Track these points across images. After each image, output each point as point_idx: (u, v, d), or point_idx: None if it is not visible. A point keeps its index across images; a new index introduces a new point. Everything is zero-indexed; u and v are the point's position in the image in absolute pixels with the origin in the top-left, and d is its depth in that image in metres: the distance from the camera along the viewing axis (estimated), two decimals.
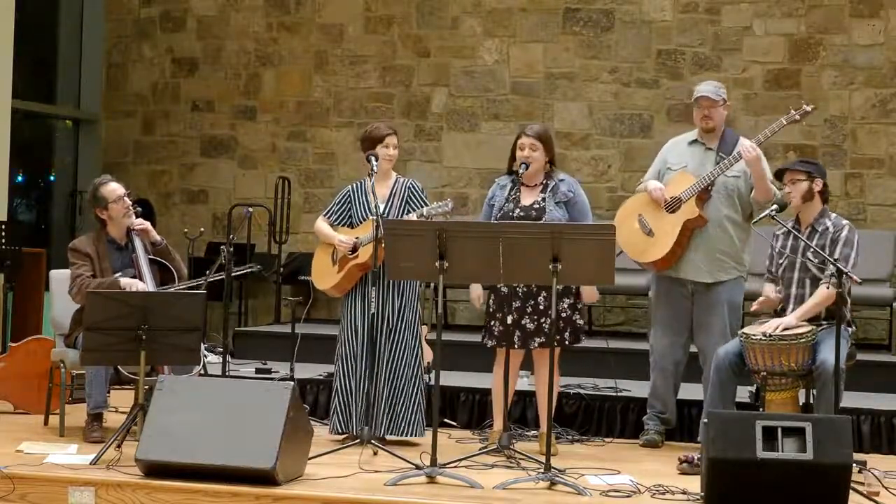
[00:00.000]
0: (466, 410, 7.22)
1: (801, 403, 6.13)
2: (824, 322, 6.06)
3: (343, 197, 6.57)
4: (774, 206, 6.07)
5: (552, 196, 6.30)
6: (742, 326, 6.70)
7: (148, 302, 5.78)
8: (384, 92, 10.63)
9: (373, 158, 6.34)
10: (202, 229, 10.17)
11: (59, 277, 6.75)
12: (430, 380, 6.79)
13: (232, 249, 6.64)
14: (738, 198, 6.51)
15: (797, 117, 6.40)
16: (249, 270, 6.43)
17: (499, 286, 6.24)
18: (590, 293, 6.32)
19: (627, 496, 5.24)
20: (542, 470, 5.44)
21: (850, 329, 6.15)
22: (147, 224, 6.52)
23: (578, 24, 10.22)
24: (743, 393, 6.31)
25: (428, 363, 7.15)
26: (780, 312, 6.23)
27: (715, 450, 4.93)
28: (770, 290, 6.30)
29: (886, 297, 8.73)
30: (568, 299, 6.27)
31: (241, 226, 9.22)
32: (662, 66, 10.04)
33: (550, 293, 6.07)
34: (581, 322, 6.40)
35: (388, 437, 6.29)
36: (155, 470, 5.20)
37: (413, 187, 6.49)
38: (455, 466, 5.59)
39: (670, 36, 10.04)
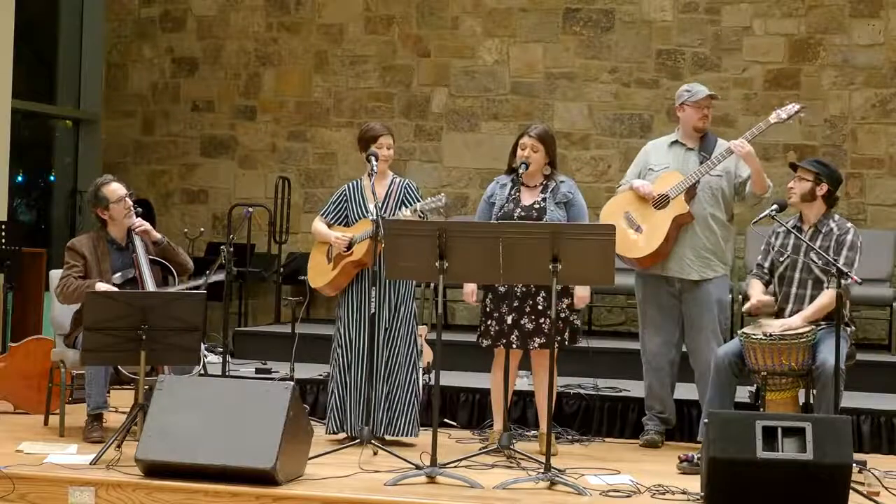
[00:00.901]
0: (466, 410, 7.23)
1: (801, 403, 6.13)
2: (823, 322, 6.05)
3: (339, 196, 6.58)
4: (774, 206, 6.08)
5: (552, 197, 6.31)
6: (731, 324, 6.72)
7: (148, 302, 5.78)
8: (384, 92, 10.63)
9: (373, 158, 6.35)
10: (202, 229, 10.19)
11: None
12: (430, 380, 6.80)
13: (232, 249, 6.63)
14: (722, 197, 6.56)
15: (783, 116, 6.42)
16: (218, 266, 6.43)
17: (496, 285, 6.24)
18: (581, 298, 6.31)
19: (627, 496, 5.24)
20: (542, 470, 5.44)
21: (849, 329, 6.16)
22: (147, 224, 6.52)
23: (578, 24, 10.23)
24: (743, 393, 6.31)
25: (428, 363, 7.16)
26: (778, 313, 6.23)
27: (715, 450, 4.93)
28: (758, 290, 6.26)
29: (886, 297, 8.73)
30: (567, 299, 6.27)
31: (241, 226, 9.21)
32: (662, 66, 10.04)
33: (549, 293, 6.09)
34: (578, 322, 6.40)
35: (387, 438, 6.29)
36: (155, 470, 5.20)
37: (409, 187, 6.50)
38: (455, 466, 5.59)
39: (670, 36, 10.04)
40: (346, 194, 6.55)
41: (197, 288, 6.44)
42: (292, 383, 5.63)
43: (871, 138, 9.68)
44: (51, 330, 7.01)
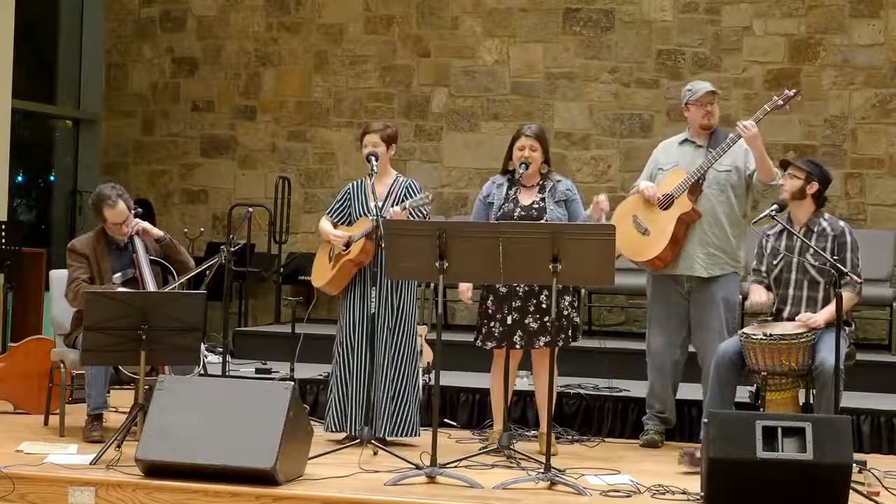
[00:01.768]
0: (466, 410, 7.23)
1: (801, 403, 6.12)
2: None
3: (343, 195, 6.58)
4: (774, 206, 6.07)
5: (551, 196, 6.31)
6: (740, 323, 6.71)
7: (148, 302, 5.78)
8: (384, 92, 10.63)
9: (373, 158, 6.35)
10: (202, 229, 10.18)
11: (59, 277, 6.74)
12: (430, 380, 6.80)
13: (232, 249, 6.63)
14: (733, 192, 6.52)
15: (780, 102, 6.41)
16: (215, 262, 6.43)
17: (497, 286, 6.25)
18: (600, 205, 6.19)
19: (627, 496, 5.24)
20: (542, 470, 5.44)
21: (848, 328, 6.15)
22: (145, 224, 6.48)
23: (578, 24, 10.23)
24: (743, 393, 6.31)
25: (428, 363, 7.17)
26: (776, 315, 6.21)
27: (715, 450, 4.93)
28: (761, 293, 6.24)
29: (886, 297, 8.73)
30: (568, 297, 6.27)
31: (241, 226, 9.22)
32: (662, 66, 10.05)
33: (551, 291, 6.09)
34: (578, 320, 6.40)
35: (388, 438, 6.29)
36: (155, 470, 5.20)
37: (411, 186, 6.51)
38: (455, 466, 5.58)
39: (670, 36, 10.05)
40: (349, 193, 6.55)
41: (197, 287, 6.44)
42: (292, 383, 5.63)
43: (871, 138, 9.68)
44: (51, 330, 7.01)
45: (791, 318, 6.10)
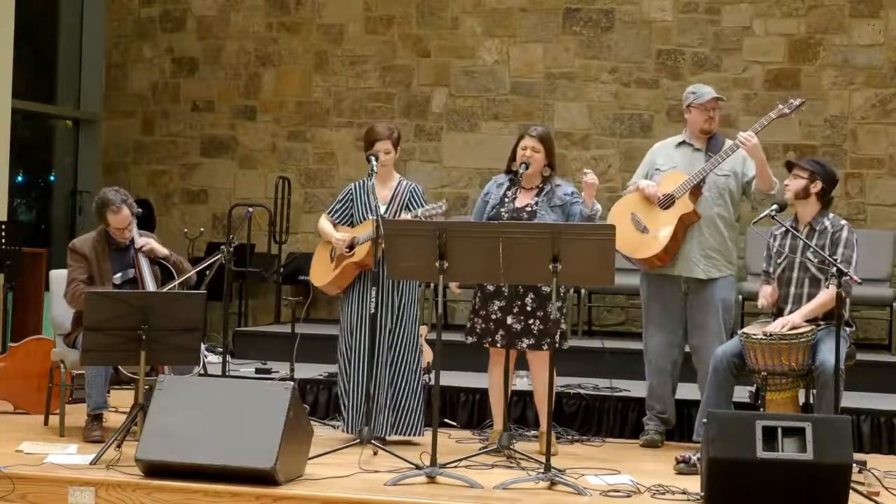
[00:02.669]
0: (466, 410, 7.23)
1: (801, 403, 6.13)
2: (823, 322, 6.06)
3: (346, 195, 6.57)
4: (774, 206, 6.07)
5: (546, 200, 6.29)
6: (737, 325, 6.72)
7: (148, 302, 5.78)
8: (384, 92, 10.63)
9: (373, 159, 6.35)
10: (202, 229, 10.18)
11: (59, 277, 6.74)
12: (430, 380, 6.80)
13: (232, 249, 6.63)
14: (730, 197, 6.54)
15: (786, 111, 6.42)
16: (216, 259, 6.44)
17: (485, 284, 6.24)
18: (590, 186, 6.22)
19: (627, 496, 5.24)
20: (542, 470, 5.44)
21: (849, 329, 6.16)
22: (151, 243, 6.45)
23: (578, 24, 10.23)
24: (743, 393, 6.31)
25: (428, 363, 7.17)
26: (777, 313, 6.22)
27: (715, 450, 4.93)
28: (769, 290, 6.27)
29: (886, 297, 8.73)
30: (558, 302, 6.25)
31: (241, 226, 9.22)
32: (662, 66, 10.04)
33: (538, 294, 6.10)
34: (564, 326, 6.40)
35: (389, 438, 6.29)
36: (155, 470, 5.20)
37: (415, 190, 6.51)
38: (455, 466, 5.59)
39: (670, 36, 10.04)
40: (352, 194, 6.54)
41: (197, 287, 6.45)
42: (292, 383, 5.63)
43: (871, 138, 9.68)
44: (51, 330, 7.01)
45: None
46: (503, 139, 10.15)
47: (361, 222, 6.43)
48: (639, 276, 6.85)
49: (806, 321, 6.04)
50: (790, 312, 6.14)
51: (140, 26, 11.31)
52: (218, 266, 6.51)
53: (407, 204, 6.42)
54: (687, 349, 6.69)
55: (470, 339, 6.35)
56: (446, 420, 7.02)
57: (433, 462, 5.42)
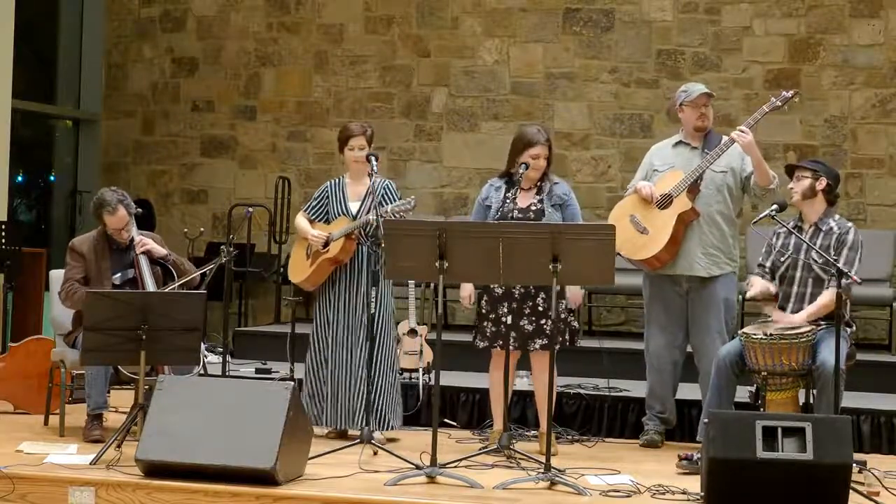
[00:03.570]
0: (466, 410, 7.23)
1: (801, 403, 6.13)
2: (823, 322, 6.05)
3: (321, 193, 6.68)
4: (774, 206, 6.07)
5: (548, 199, 6.29)
6: (737, 324, 6.71)
7: (148, 302, 5.78)
8: (384, 92, 10.63)
9: (373, 158, 6.39)
10: (202, 229, 10.18)
11: (59, 277, 6.71)
12: (430, 380, 6.81)
13: (232, 249, 6.64)
14: (728, 193, 6.54)
15: (778, 104, 6.42)
16: (217, 264, 6.46)
17: (492, 287, 6.24)
18: (575, 295, 6.30)
19: (627, 496, 5.24)
20: (542, 470, 5.44)
21: (849, 329, 6.16)
22: (150, 244, 6.45)
23: (578, 24, 10.22)
24: (743, 393, 6.31)
25: (428, 363, 7.18)
26: (780, 308, 6.22)
27: (715, 450, 4.93)
28: (761, 281, 6.24)
29: (886, 297, 8.73)
30: (566, 301, 6.27)
31: (241, 226, 9.21)
32: (662, 66, 10.04)
33: (549, 294, 6.09)
34: (576, 325, 6.40)
35: (352, 431, 6.38)
36: (155, 470, 5.20)
37: (388, 187, 6.57)
38: (455, 466, 5.59)
39: (670, 36, 10.04)
40: (327, 191, 6.63)
41: (197, 288, 6.45)
42: (292, 383, 5.64)
43: (871, 138, 9.68)
44: (51, 330, 7.01)
45: None
46: (503, 139, 10.11)
47: (336, 219, 6.50)
48: (639, 276, 6.85)
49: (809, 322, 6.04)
50: (792, 311, 6.14)
51: (140, 26, 11.31)
52: (218, 266, 6.51)
53: (381, 201, 6.46)
54: (689, 349, 6.69)
55: (481, 344, 6.34)
56: (446, 420, 7.02)
57: (433, 462, 5.42)
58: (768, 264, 6.31)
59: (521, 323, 6.21)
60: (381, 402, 6.36)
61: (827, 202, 6.22)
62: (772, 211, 6.04)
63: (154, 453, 5.20)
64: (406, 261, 5.62)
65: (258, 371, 8.02)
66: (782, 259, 6.25)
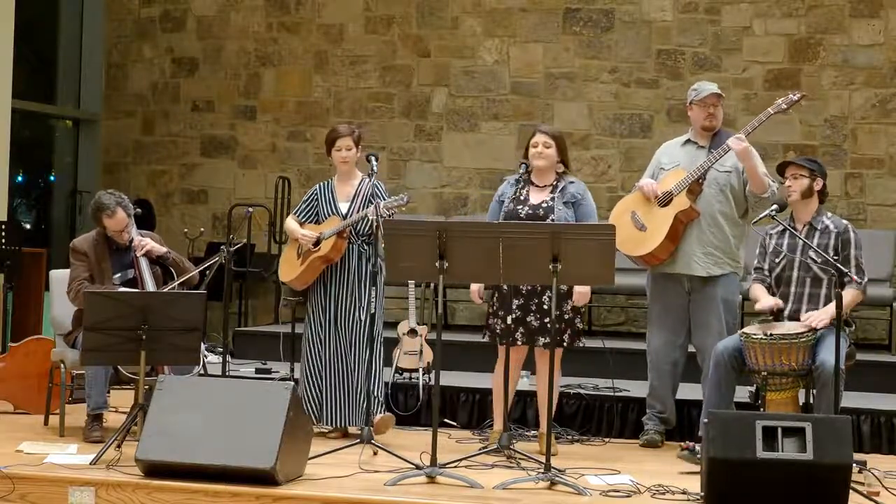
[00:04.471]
0: (466, 410, 7.22)
1: (801, 403, 6.12)
2: None
3: (310, 196, 6.74)
4: (774, 206, 6.07)
5: (561, 196, 6.28)
6: (740, 323, 6.70)
7: (148, 302, 5.78)
8: (384, 92, 10.63)
9: (373, 158, 6.43)
10: (202, 229, 10.19)
11: (59, 277, 6.74)
12: (430, 380, 6.81)
13: (232, 249, 6.65)
14: (732, 193, 6.52)
15: (784, 106, 6.41)
16: (215, 261, 6.48)
17: (501, 284, 6.25)
18: (582, 294, 6.29)
19: (627, 496, 5.24)
20: (542, 470, 5.44)
21: (848, 329, 6.15)
22: (149, 244, 6.44)
23: (578, 24, 10.22)
24: (743, 393, 6.31)
25: (428, 363, 7.18)
26: (776, 314, 6.20)
27: (715, 450, 4.93)
28: (767, 299, 6.19)
29: (886, 297, 8.72)
30: (570, 301, 6.26)
31: (241, 226, 9.21)
32: (662, 66, 10.04)
33: (553, 293, 6.09)
34: (580, 325, 6.40)
35: (352, 429, 6.44)
36: (155, 470, 5.20)
37: (377, 186, 6.59)
38: (455, 466, 5.59)
39: (670, 36, 10.04)
40: (316, 193, 6.69)
41: (197, 287, 6.45)
42: (292, 383, 5.64)
43: (871, 138, 9.68)
44: (51, 330, 7.01)
45: (792, 316, 6.11)
46: (503, 139, 10.17)
47: (328, 219, 6.56)
48: (640, 275, 6.86)
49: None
50: (791, 311, 6.13)
51: (140, 26, 11.31)
52: (218, 266, 6.51)
53: (370, 199, 6.47)
54: (691, 348, 6.68)
55: (488, 338, 6.35)
56: (446, 420, 7.02)
57: (433, 462, 5.42)
58: (766, 266, 6.29)
59: (528, 319, 6.22)
60: (365, 398, 6.41)
61: (819, 201, 6.23)
62: (772, 211, 6.04)
63: (154, 453, 5.20)
64: (406, 261, 5.62)
65: (258, 371, 8.02)
66: (777, 260, 6.23)
